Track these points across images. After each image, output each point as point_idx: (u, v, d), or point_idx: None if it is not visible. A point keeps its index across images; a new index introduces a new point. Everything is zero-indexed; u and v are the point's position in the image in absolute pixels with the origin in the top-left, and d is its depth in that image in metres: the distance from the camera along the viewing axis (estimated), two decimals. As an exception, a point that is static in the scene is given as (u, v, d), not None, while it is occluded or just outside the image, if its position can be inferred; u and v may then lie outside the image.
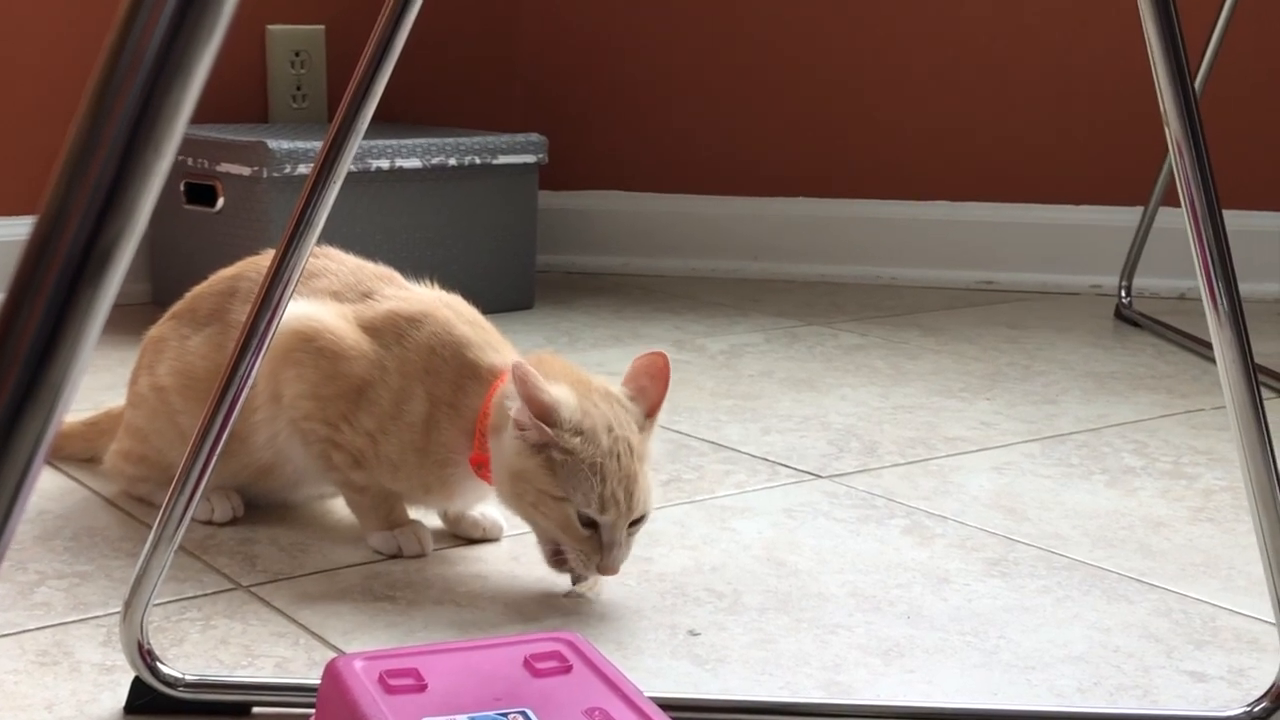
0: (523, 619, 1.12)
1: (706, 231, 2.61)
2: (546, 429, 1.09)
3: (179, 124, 0.33)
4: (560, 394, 1.11)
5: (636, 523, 1.13)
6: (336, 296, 1.26)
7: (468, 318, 1.25)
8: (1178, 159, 0.85)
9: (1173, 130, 0.85)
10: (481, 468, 1.17)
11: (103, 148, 0.33)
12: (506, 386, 1.15)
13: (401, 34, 0.92)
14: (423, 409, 1.20)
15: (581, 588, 1.16)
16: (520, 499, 1.13)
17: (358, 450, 1.22)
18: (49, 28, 2.22)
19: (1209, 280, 0.87)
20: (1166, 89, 0.84)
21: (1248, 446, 0.88)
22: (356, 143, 0.93)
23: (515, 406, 1.11)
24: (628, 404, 1.14)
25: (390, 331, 1.23)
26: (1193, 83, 0.85)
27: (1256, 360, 1.91)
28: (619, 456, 1.10)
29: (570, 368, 1.17)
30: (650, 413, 1.15)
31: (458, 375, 1.20)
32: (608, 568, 1.11)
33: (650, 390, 1.15)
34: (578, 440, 1.10)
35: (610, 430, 1.11)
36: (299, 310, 1.23)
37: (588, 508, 1.09)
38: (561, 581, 1.17)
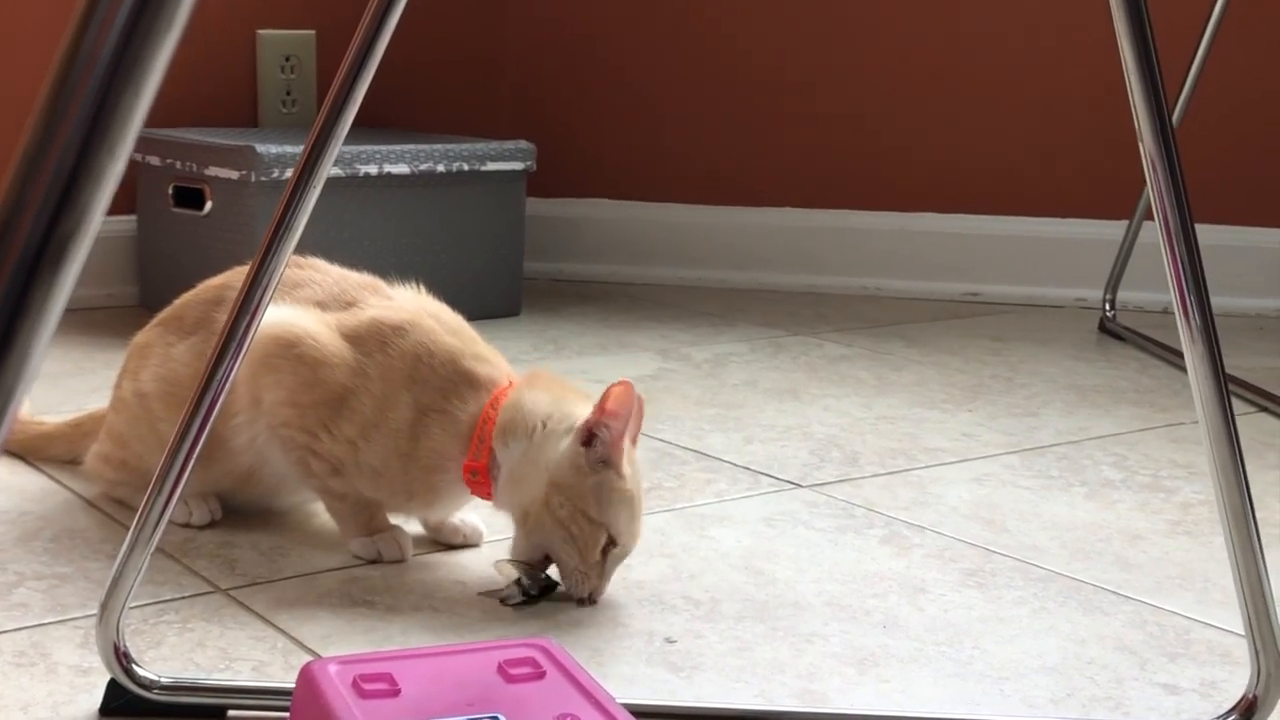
0: (501, 625, 1.12)
1: (694, 241, 2.62)
2: (621, 450, 1.13)
3: (133, 126, 0.34)
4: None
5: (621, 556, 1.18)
6: (320, 306, 1.27)
7: (452, 327, 1.26)
8: (1151, 175, 0.86)
9: (1146, 147, 0.86)
10: (477, 474, 1.18)
11: (56, 149, 0.33)
12: (527, 394, 1.18)
13: (384, 36, 0.92)
14: (408, 416, 1.20)
15: (511, 600, 1.17)
16: (550, 510, 1.14)
17: (336, 458, 1.22)
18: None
19: (1182, 295, 0.88)
20: (1141, 106, 0.85)
21: (1219, 461, 0.89)
22: (338, 147, 0.94)
23: (577, 418, 1.15)
24: None
25: (373, 339, 1.23)
26: (1167, 101, 0.86)
27: (1236, 374, 1.92)
28: (639, 486, 1.15)
29: (567, 388, 1.20)
30: (632, 439, 1.18)
31: (450, 383, 1.20)
32: (600, 593, 1.15)
33: (633, 427, 1.17)
34: (631, 468, 1.14)
35: (634, 462, 1.15)
36: (279, 316, 1.23)
37: (619, 535, 1.14)
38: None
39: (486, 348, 1.26)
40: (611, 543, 1.14)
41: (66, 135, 0.33)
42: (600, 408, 1.13)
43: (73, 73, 0.34)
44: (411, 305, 1.28)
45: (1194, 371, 0.89)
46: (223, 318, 1.27)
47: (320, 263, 1.32)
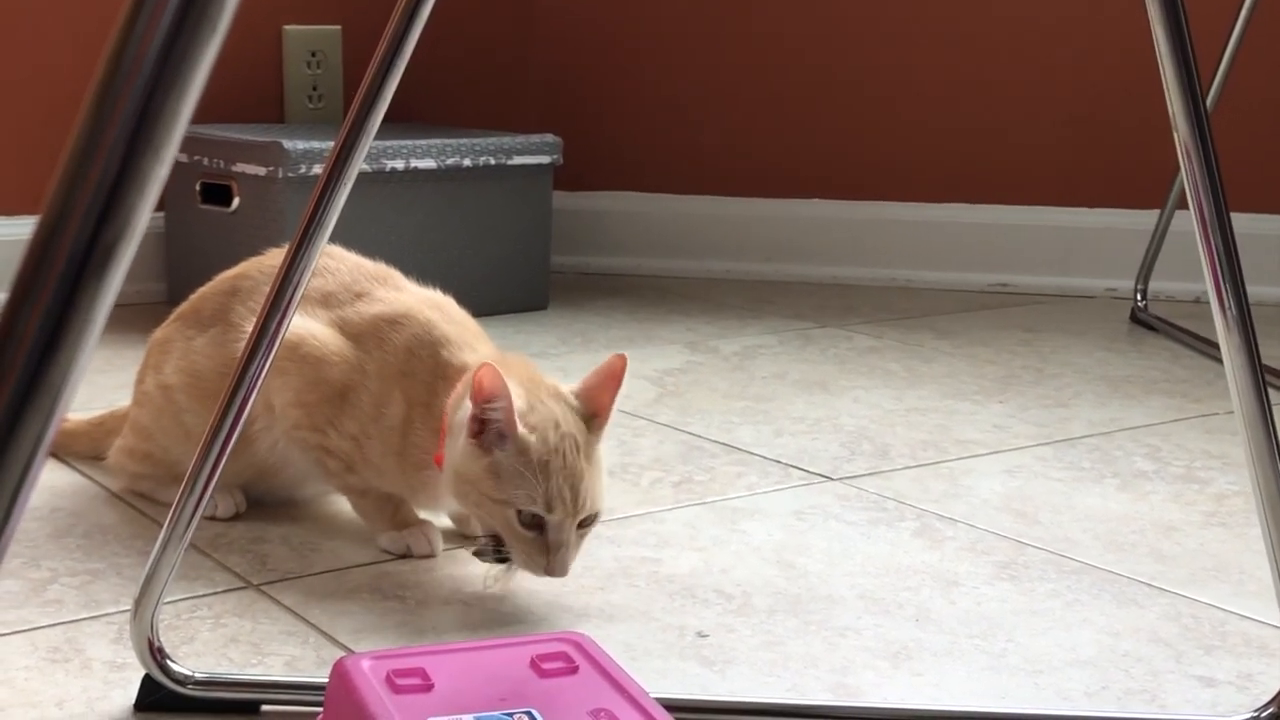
0: (531, 619, 1.12)
1: (721, 233, 2.61)
2: (515, 419, 1.08)
3: (178, 128, 0.34)
4: (511, 385, 1.10)
5: (586, 524, 1.11)
6: (329, 298, 1.27)
7: (454, 318, 1.25)
8: (1186, 164, 0.85)
9: (1181, 135, 0.85)
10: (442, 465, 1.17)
11: (102, 152, 0.33)
12: (462, 385, 1.15)
13: (413, 34, 0.92)
14: (400, 412, 1.20)
15: (494, 586, 1.14)
16: (465, 499, 1.13)
17: (346, 454, 1.23)
18: (52, 28, 2.23)
19: (1217, 285, 0.87)
20: (1175, 94, 0.84)
21: (1255, 451, 0.88)
22: (368, 144, 0.94)
23: (468, 408, 1.10)
24: (574, 403, 1.13)
25: (372, 336, 1.23)
26: (1202, 88, 0.85)
27: (1270, 364, 1.91)
28: (564, 454, 1.09)
29: (527, 367, 1.17)
30: (597, 413, 1.13)
31: (431, 376, 1.20)
32: (556, 569, 1.09)
33: (598, 391, 1.13)
34: (531, 436, 1.09)
35: (558, 426, 1.10)
36: None
37: (533, 506, 1.08)
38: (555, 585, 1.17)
39: (482, 339, 1.24)
40: (535, 515, 1.08)
41: (111, 140, 0.33)
42: (475, 399, 1.09)
43: (118, 77, 0.34)
44: (416, 297, 1.27)
45: (1230, 361, 0.88)
46: (239, 308, 1.28)
47: (337, 250, 1.32)
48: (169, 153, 0.34)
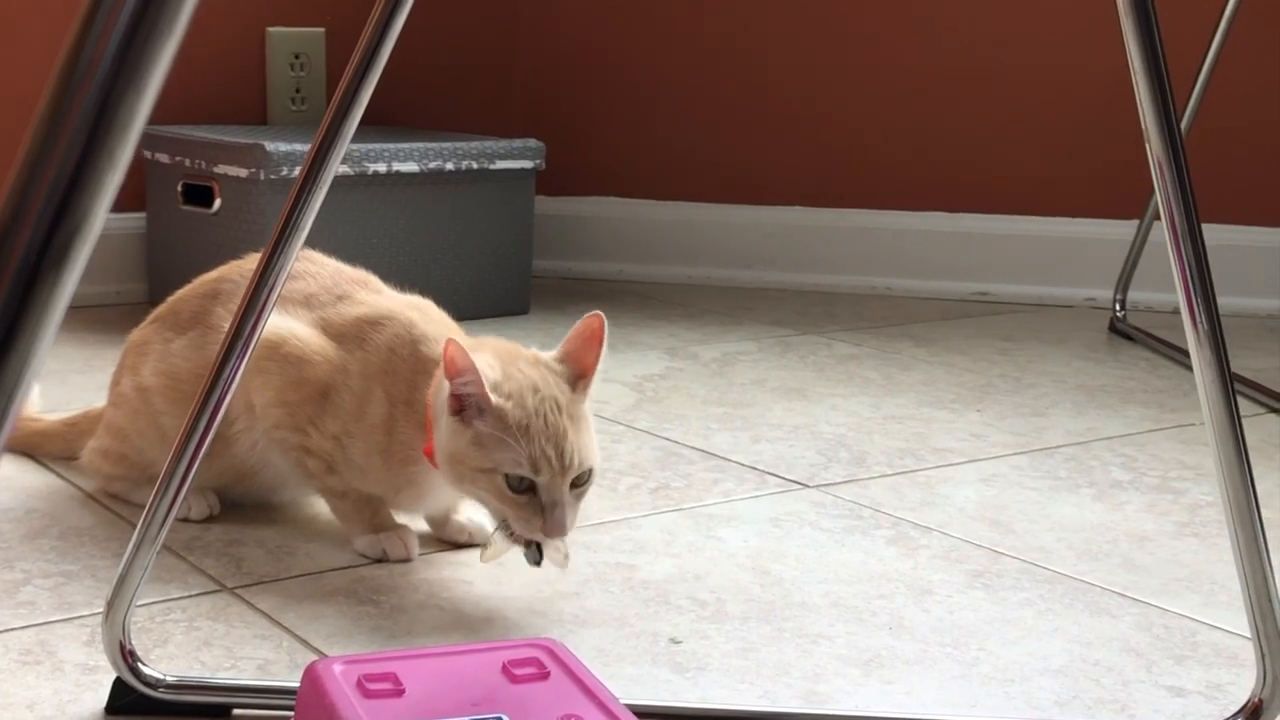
0: (506, 624, 1.12)
1: (702, 239, 2.62)
2: (486, 391, 1.09)
3: (134, 131, 0.34)
4: (482, 359, 1.11)
5: (580, 483, 1.11)
6: (310, 300, 1.27)
7: (434, 319, 1.26)
8: (1159, 177, 0.86)
9: (1154, 148, 0.85)
10: (434, 459, 1.17)
11: (57, 154, 0.33)
12: (438, 374, 1.16)
13: (390, 37, 0.92)
14: (383, 410, 1.21)
15: (553, 558, 1.14)
16: (459, 480, 1.13)
17: (327, 454, 1.23)
18: (49, 28, 2.23)
19: (1189, 298, 0.88)
20: (1148, 109, 0.85)
21: (1225, 464, 0.89)
22: (344, 146, 0.94)
23: (446, 388, 1.11)
24: (556, 367, 1.14)
25: (354, 336, 1.24)
26: (1175, 102, 0.86)
27: (1246, 375, 1.92)
28: (545, 415, 1.09)
29: (500, 342, 1.18)
30: (582, 374, 1.14)
31: (413, 372, 1.20)
32: (553, 529, 1.09)
33: (582, 352, 1.14)
34: (507, 403, 1.09)
35: (536, 391, 1.10)
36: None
37: (519, 469, 1.08)
38: (539, 581, 1.17)
39: (460, 336, 1.25)
40: (524, 477, 1.08)
41: (67, 141, 0.33)
42: (448, 375, 1.10)
43: (74, 78, 0.34)
44: (397, 300, 1.28)
45: (1201, 375, 0.89)
46: (219, 311, 1.28)
47: (317, 255, 1.33)
48: (125, 154, 0.34)
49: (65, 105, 0.33)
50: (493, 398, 1.09)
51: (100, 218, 0.34)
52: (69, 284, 0.35)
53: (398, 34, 0.92)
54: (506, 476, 1.09)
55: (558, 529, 1.09)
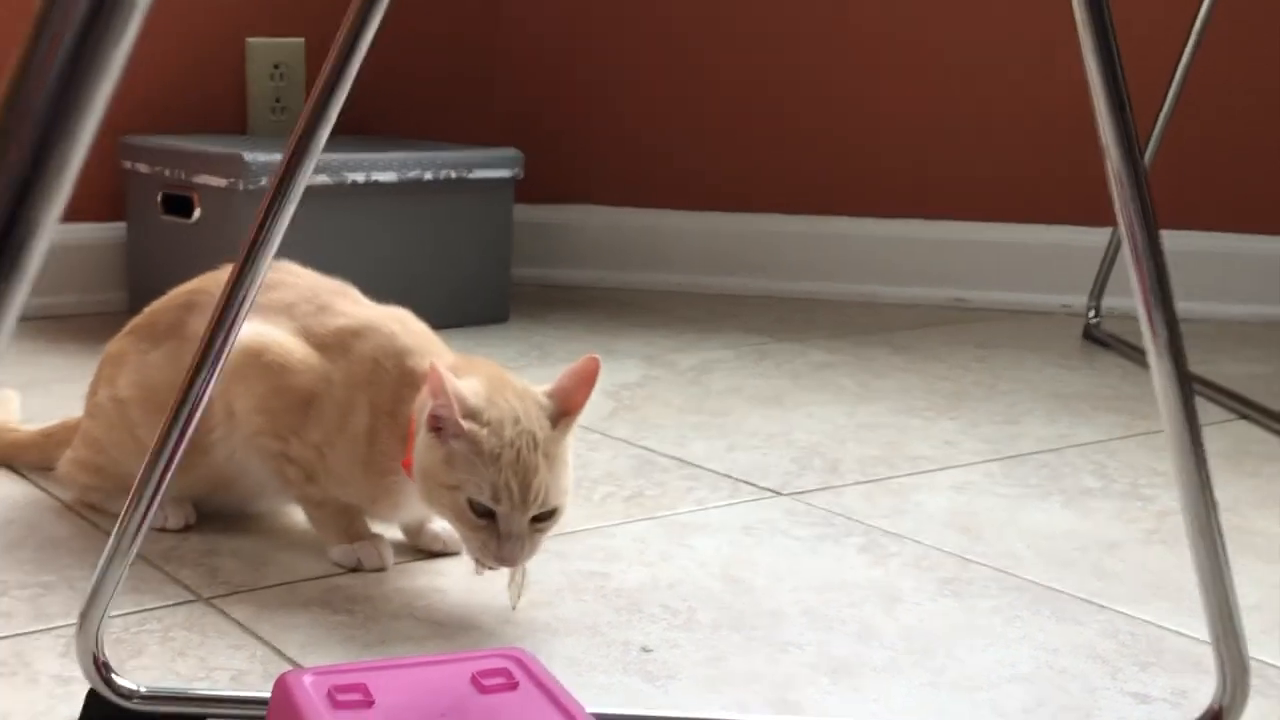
0: (480, 633, 1.13)
1: (681, 246, 2.63)
2: (459, 419, 1.10)
3: (83, 142, 0.35)
4: (469, 385, 1.12)
5: (543, 520, 1.12)
6: (291, 309, 1.28)
7: (415, 330, 1.27)
8: (1117, 189, 0.87)
9: (1112, 161, 0.87)
10: (410, 470, 1.18)
11: (6, 166, 0.34)
12: (425, 390, 1.17)
13: (361, 48, 0.92)
14: (365, 420, 1.21)
15: (510, 591, 1.16)
16: (428, 494, 1.14)
17: (307, 463, 1.24)
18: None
19: (1148, 310, 0.89)
20: (1106, 120, 0.86)
21: (1184, 473, 0.90)
22: (315, 158, 0.94)
23: (428, 405, 1.12)
24: (543, 401, 1.15)
25: (337, 346, 1.25)
26: (1134, 114, 0.87)
27: (1218, 381, 1.93)
28: (519, 449, 1.10)
29: (492, 366, 1.19)
30: (568, 412, 1.15)
31: (397, 384, 1.21)
32: (504, 558, 1.11)
33: (572, 391, 1.15)
34: (483, 431, 1.10)
35: (516, 423, 1.11)
36: (248, 327, 1.24)
37: (480, 495, 1.10)
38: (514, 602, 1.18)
39: (443, 348, 1.26)
40: (484, 505, 1.10)
41: (17, 151, 0.34)
42: (432, 394, 1.11)
43: (24, 88, 0.35)
44: (378, 311, 1.29)
45: (1160, 385, 0.90)
46: (195, 322, 1.29)
47: (294, 266, 1.34)
48: (73, 164, 0.35)
49: (15, 114, 0.34)
50: (464, 423, 1.10)
51: (49, 229, 0.35)
52: (19, 294, 0.36)
53: (369, 44, 0.93)
54: (470, 500, 1.10)
55: (507, 559, 1.11)
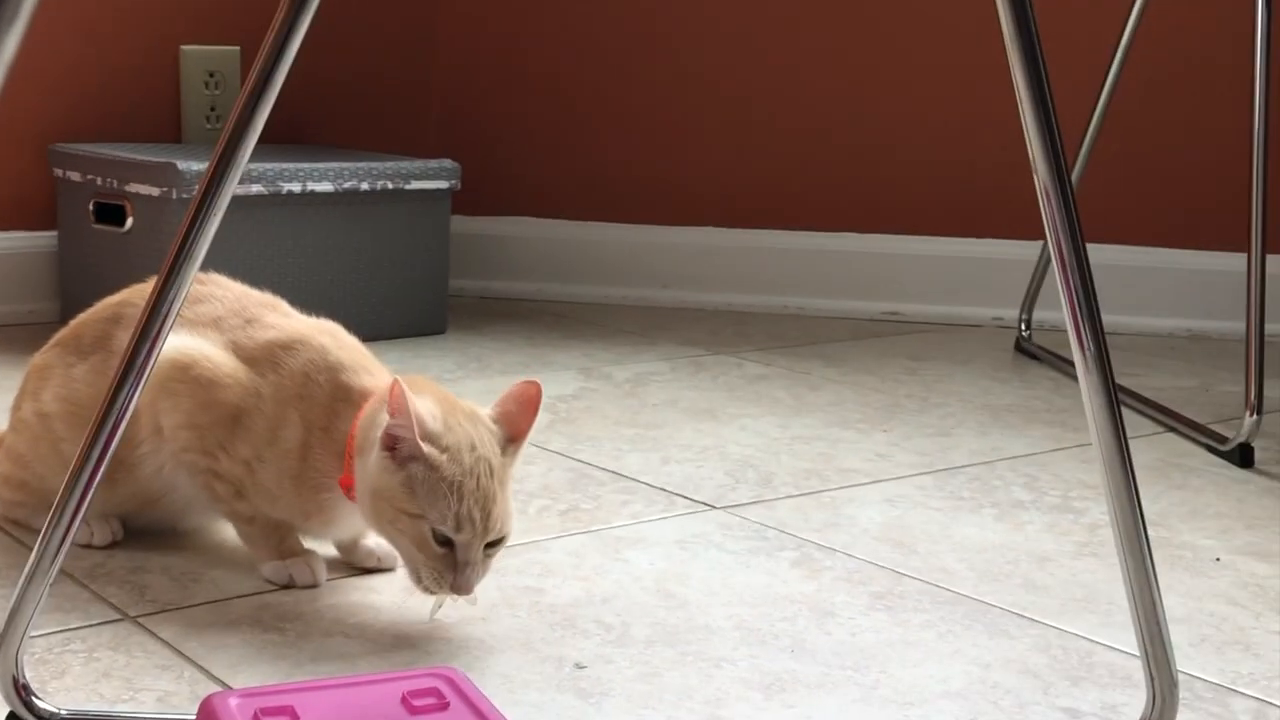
0: (412, 650, 1.12)
1: (618, 259, 2.63)
2: (419, 442, 1.10)
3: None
4: (426, 407, 1.12)
5: (494, 545, 1.13)
6: (219, 322, 1.27)
7: (346, 344, 1.26)
8: (1045, 204, 0.88)
9: (1040, 176, 0.87)
10: (350, 490, 1.17)
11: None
12: (372, 406, 1.16)
13: (288, 56, 0.91)
14: (297, 435, 1.20)
15: (436, 613, 1.16)
16: (380, 517, 1.14)
17: (236, 479, 1.22)
18: None
19: (1076, 324, 0.89)
20: (1034, 136, 0.87)
21: (1113, 487, 0.91)
22: (241, 167, 0.93)
23: (384, 423, 1.11)
24: (492, 426, 1.15)
25: (267, 360, 1.23)
26: (1060, 130, 0.88)
27: (1146, 394, 1.95)
28: (479, 476, 1.11)
29: (438, 389, 1.18)
30: (515, 438, 1.15)
31: (331, 399, 1.20)
32: (460, 586, 1.11)
33: (517, 416, 1.16)
34: (442, 456, 1.10)
35: (473, 449, 1.12)
36: (175, 341, 1.22)
37: (443, 525, 1.10)
38: (446, 607, 1.17)
39: (375, 363, 1.25)
40: (445, 534, 1.10)
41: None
42: (391, 413, 1.11)
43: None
44: (308, 324, 1.28)
45: (1089, 399, 0.91)
46: (121, 335, 1.27)
47: (222, 279, 1.32)
48: None
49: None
50: (425, 447, 1.10)
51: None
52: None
53: (295, 50, 0.92)
54: (433, 529, 1.10)
55: (465, 587, 1.11)
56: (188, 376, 1.22)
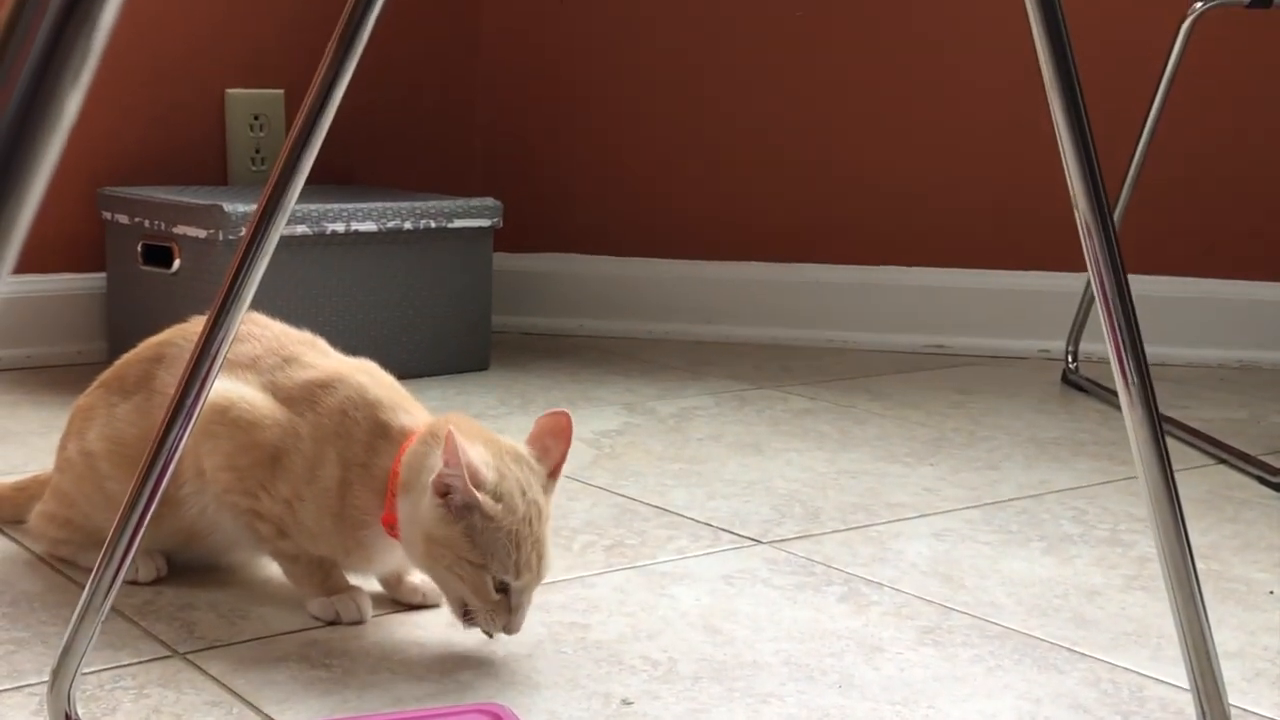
0: (459, 686, 1.12)
1: (661, 294, 2.63)
2: (475, 493, 1.11)
3: (32, 197, 0.34)
4: (480, 455, 1.13)
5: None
6: (256, 362, 1.28)
7: (383, 382, 1.27)
8: (1086, 240, 0.88)
9: (1081, 212, 0.87)
10: (393, 528, 1.18)
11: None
12: (418, 447, 1.18)
13: (334, 99, 0.92)
14: (336, 473, 1.21)
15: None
16: (436, 562, 1.15)
17: (278, 518, 1.23)
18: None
19: (1119, 358, 0.89)
20: (1074, 170, 0.86)
21: (1160, 521, 0.90)
22: (289, 209, 0.95)
23: (434, 467, 1.13)
24: (534, 465, 1.17)
25: (304, 399, 1.24)
26: (1100, 166, 0.88)
27: (1196, 426, 1.94)
28: (531, 522, 1.14)
29: (480, 428, 1.19)
30: (552, 473, 1.18)
31: (370, 436, 1.21)
32: (514, 628, 1.15)
33: (553, 450, 1.18)
34: (498, 506, 1.12)
35: (524, 494, 1.14)
36: (214, 385, 1.24)
37: (505, 574, 1.12)
38: (492, 643, 1.17)
39: (411, 401, 1.27)
40: (506, 582, 1.13)
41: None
42: (444, 460, 1.12)
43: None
44: (345, 362, 1.29)
45: (1134, 433, 0.90)
46: (164, 375, 1.29)
47: (261, 317, 1.33)
48: (22, 220, 0.34)
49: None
50: (482, 497, 1.12)
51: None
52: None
53: (342, 94, 0.93)
54: (493, 576, 1.13)
55: (517, 628, 1.15)
56: (226, 419, 1.24)
